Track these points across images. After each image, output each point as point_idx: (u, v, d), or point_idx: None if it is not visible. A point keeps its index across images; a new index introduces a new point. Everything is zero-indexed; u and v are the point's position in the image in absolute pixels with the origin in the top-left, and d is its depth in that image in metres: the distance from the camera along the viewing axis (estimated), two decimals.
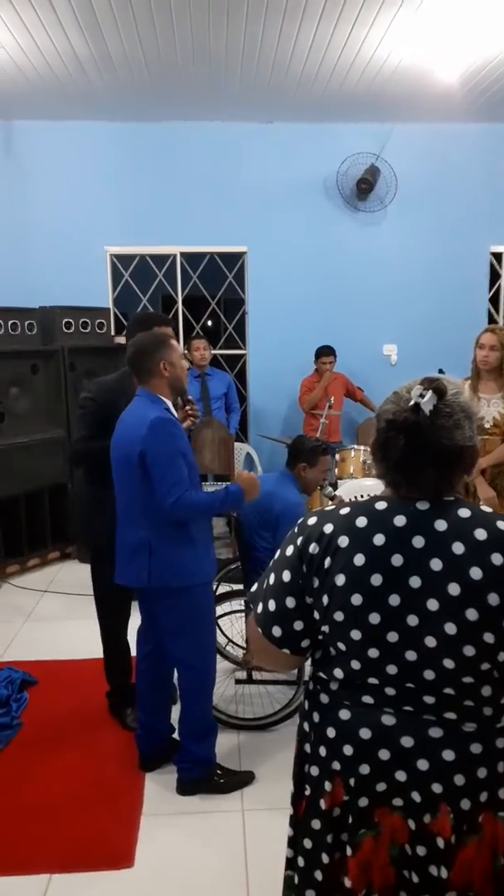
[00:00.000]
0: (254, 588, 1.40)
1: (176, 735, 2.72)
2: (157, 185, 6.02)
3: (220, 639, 3.41)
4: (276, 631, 1.31)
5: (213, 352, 5.99)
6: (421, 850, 1.23)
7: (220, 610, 3.19)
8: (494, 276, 6.47)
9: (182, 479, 2.37)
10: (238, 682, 3.21)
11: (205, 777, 2.63)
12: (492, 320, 6.48)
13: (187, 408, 3.03)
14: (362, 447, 4.63)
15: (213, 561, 2.61)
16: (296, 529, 1.33)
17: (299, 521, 1.34)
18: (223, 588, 3.43)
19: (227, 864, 2.29)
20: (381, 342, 6.28)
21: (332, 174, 6.03)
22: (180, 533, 2.44)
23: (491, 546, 1.16)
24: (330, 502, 3.34)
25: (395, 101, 5.50)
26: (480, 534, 1.17)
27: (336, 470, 4.53)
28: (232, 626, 3.36)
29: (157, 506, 2.36)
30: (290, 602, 1.29)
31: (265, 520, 3.10)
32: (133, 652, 2.94)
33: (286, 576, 1.29)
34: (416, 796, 1.23)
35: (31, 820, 2.50)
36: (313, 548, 1.26)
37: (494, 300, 6.55)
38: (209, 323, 6.92)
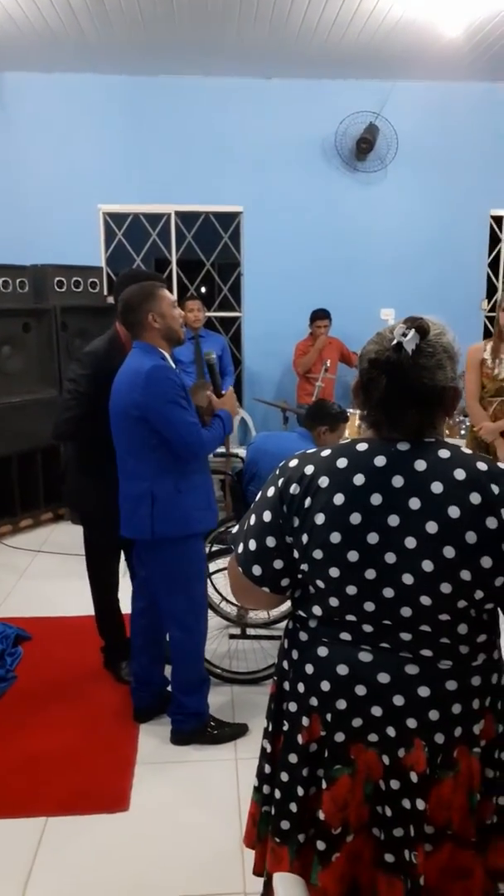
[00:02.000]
0: (234, 529, 1.41)
1: (170, 688, 2.74)
2: (151, 141, 5.90)
3: (214, 596, 3.43)
4: (256, 570, 1.32)
5: (208, 314, 5.92)
6: (394, 784, 1.25)
7: (213, 566, 3.19)
8: (494, 240, 6.41)
9: (193, 419, 2.40)
10: (232, 636, 3.24)
11: (198, 729, 2.67)
12: (491, 285, 6.44)
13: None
14: (358, 411, 4.63)
15: (214, 510, 2.62)
16: (277, 472, 1.34)
17: (280, 463, 1.35)
18: (216, 547, 3.43)
19: (220, 808, 2.33)
20: (378, 306, 6.22)
21: (331, 133, 5.92)
22: (182, 481, 2.45)
23: (470, 486, 1.16)
24: None
25: (396, 58, 5.38)
26: (459, 474, 1.18)
27: None
28: (225, 583, 3.38)
29: (179, 451, 2.39)
30: (271, 541, 1.30)
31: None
32: (124, 609, 2.98)
33: (267, 516, 1.31)
34: (390, 731, 1.25)
35: (27, 768, 2.53)
36: (294, 488, 1.27)
37: (494, 265, 6.50)
38: (203, 289, 6.83)
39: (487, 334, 5.72)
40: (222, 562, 3.16)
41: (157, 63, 5.60)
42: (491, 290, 6.46)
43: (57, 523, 5.27)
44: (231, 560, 1.39)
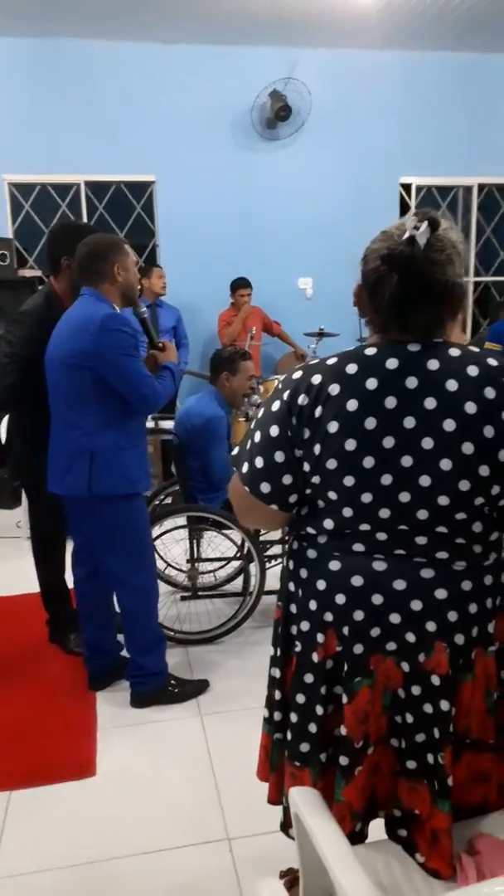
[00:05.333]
0: (235, 451, 1.36)
1: (124, 652, 2.66)
2: (56, 108, 5.63)
3: (159, 563, 3.36)
4: (265, 487, 1.28)
5: None
6: (415, 690, 1.25)
7: (157, 530, 3.12)
8: (404, 207, 6.55)
9: (146, 370, 2.34)
10: (183, 598, 3.18)
11: (159, 688, 2.61)
12: None
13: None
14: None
15: (149, 473, 2.55)
16: (280, 385, 1.29)
17: (283, 377, 1.31)
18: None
19: (190, 763, 2.29)
20: (296, 275, 6.25)
21: (241, 99, 5.85)
22: (122, 438, 2.35)
23: (484, 381, 1.16)
24: (256, 410, 3.31)
25: (305, 24, 5.37)
26: (473, 370, 1.17)
27: (259, 399, 4.53)
28: (167, 549, 3.31)
29: (134, 404, 2.33)
30: (280, 456, 1.26)
31: (190, 439, 3.06)
32: (70, 584, 2.86)
33: (274, 430, 1.26)
34: (410, 637, 1.24)
35: None
36: (302, 399, 1.23)
37: None
38: None
39: None
40: (169, 523, 3.10)
41: (63, 24, 5.33)
42: None
43: None
44: (234, 481, 1.34)
